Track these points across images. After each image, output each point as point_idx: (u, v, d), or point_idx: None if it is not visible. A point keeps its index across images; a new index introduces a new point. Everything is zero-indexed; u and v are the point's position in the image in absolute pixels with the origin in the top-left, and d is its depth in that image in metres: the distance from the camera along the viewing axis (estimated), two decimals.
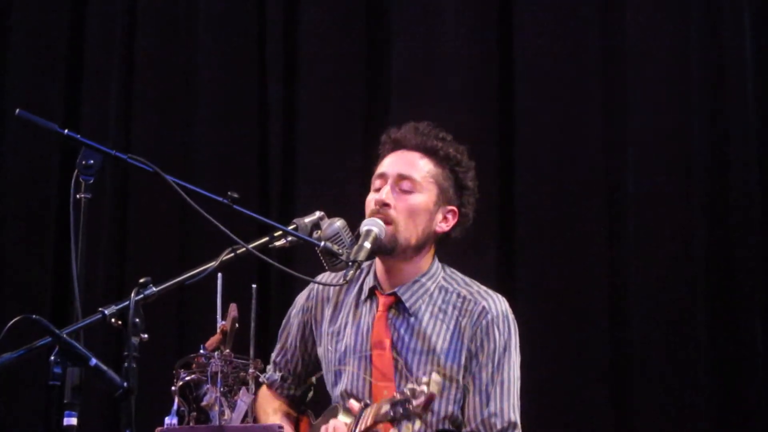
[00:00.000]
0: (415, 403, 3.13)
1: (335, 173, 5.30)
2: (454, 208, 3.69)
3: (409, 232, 3.61)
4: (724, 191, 4.99)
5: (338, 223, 3.44)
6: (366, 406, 3.32)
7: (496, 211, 5.18)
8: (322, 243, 3.33)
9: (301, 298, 3.87)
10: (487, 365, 3.59)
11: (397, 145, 3.71)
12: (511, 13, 5.32)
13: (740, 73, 5.01)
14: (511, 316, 3.67)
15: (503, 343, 3.61)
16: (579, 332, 5.03)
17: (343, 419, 3.47)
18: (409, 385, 3.20)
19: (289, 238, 3.26)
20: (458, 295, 3.68)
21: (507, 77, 5.30)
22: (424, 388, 3.13)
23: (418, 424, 3.18)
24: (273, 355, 3.90)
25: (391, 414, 3.17)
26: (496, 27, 5.36)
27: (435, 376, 3.15)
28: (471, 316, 3.63)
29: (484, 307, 3.63)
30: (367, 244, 3.49)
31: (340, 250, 3.37)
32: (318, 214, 3.40)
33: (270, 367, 3.89)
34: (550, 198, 5.17)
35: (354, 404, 3.43)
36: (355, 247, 3.45)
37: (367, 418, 3.28)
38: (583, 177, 5.15)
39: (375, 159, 3.78)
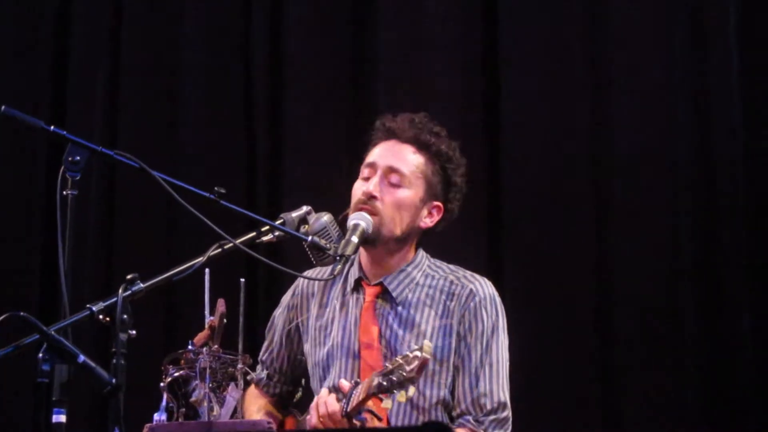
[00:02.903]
0: (408, 368, 3.15)
1: (322, 168, 5.29)
2: (439, 203, 3.70)
3: (393, 225, 3.62)
4: (711, 186, 5.00)
5: (325, 217, 3.44)
6: (356, 384, 3.33)
7: (483, 205, 5.19)
8: (310, 238, 3.32)
9: (285, 297, 3.88)
10: (476, 347, 3.61)
11: (391, 135, 3.71)
12: (496, 6, 5.31)
13: (725, 72, 5.02)
14: (498, 299, 3.69)
15: (491, 324, 3.63)
16: (566, 325, 5.03)
17: (326, 391, 3.46)
18: (400, 356, 3.22)
19: (277, 233, 3.26)
20: (445, 279, 3.69)
21: (493, 72, 5.29)
22: (417, 353, 3.15)
23: (411, 390, 3.20)
24: (260, 354, 3.90)
25: (384, 384, 3.19)
26: (482, 20, 5.36)
27: (427, 342, 3.18)
28: (459, 299, 3.64)
29: (471, 290, 3.65)
30: (355, 239, 3.49)
31: (328, 245, 3.37)
32: (305, 208, 3.40)
33: (258, 366, 3.89)
34: (537, 190, 5.17)
35: (343, 383, 3.43)
36: (343, 242, 3.45)
37: (359, 394, 3.28)
38: (570, 171, 5.16)
39: (363, 149, 3.78)
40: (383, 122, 3.76)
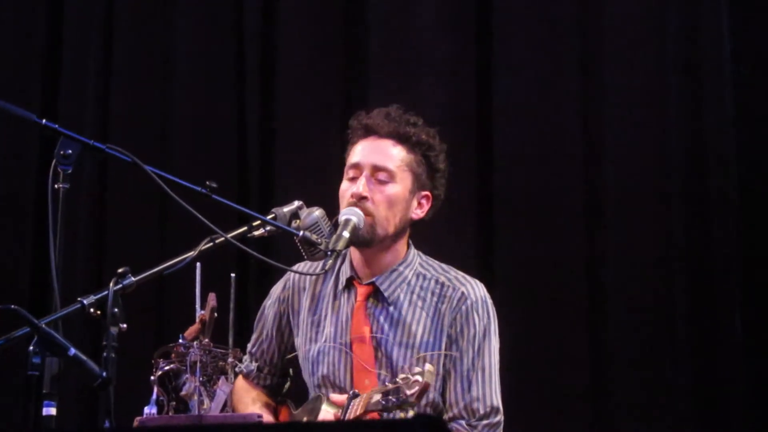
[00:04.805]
0: (409, 392, 3.16)
1: (314, 163, 5.29)
2: (428, 192, 3.70)
3: (387, 223, 3.61)
4: (703, 183, 5.01)
5: (317, 212, 3.44)
6: (355, 396, 3.33)
7: (474, 199, 5.19)
8: (301, 232, 3.32)
9: (276, 289, 3.86)
10: (468, 351, 3.60)
11: (369, 132, 3.70)
12: (490, 2, 5.32)
13: (717, 66, 5.03)
14: (489, 301, 3.68)
15: (483, 328, 3.63)
16: (556, 323, 5.04)
17: (327, 409, 3.47)
18: (401, 375, 3.22)
19: (268, 228, 3.26)
20: (436, 281, 3.69)
21: (485, 66, 5.30)
22: (419, 377, 3.15)
23: (411, 413, 3.20)
24: (249, 346, 3.89)
25: (383, 404, 3.19)
26: (474, 15, 5.36)
27: (428, 366, 3.19)
28: (450, 302, 3.64)
29: (463, 293, 3.65)
30: (346, 234, 3.49)
31: (319, 240, 3.37)
32: (297, 203, 3.40)
33: (246, 358, 3.88)
34: (528, 188, 5.18)
35: (337, 397, 3.43)
36: (334, 237, 3.45)
37: (357, 408, 3.29)
38: (562, 166, 5.16)
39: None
40: (359, 120, 3.73)
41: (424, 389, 3.16)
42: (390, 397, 3.18)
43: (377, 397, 3.21)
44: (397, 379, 3.22)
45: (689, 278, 4.96)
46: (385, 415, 3.23)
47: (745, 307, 4.89)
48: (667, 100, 5.07)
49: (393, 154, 3.66)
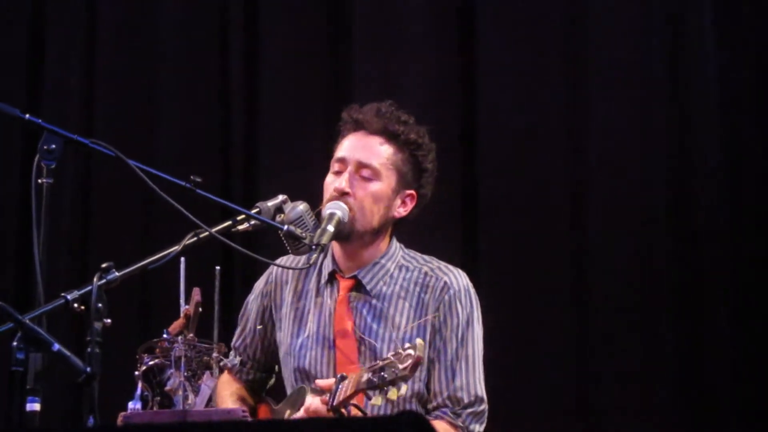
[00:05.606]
0: (401, 366, 3.14)
1: (298, 157, 5.29)
2: (412, 192, 3.69)
3: (367, 220, 3.61)
4: (688, 179, 5.02)
5: (301, 206, 3.44)
6: (343, 378, 3.32)
7: (458, 195, 5.20)
8: (285, 227, 3.32)
9: (259, 284, 3.86)
10: (452, 340, 3.61)
11: (358, 126, 3.69)
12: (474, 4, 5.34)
13: (702, 65, 5.05)
14: (472, 290, 3.68)
15: (466, 317, 3.63)
16: (541, 316, 5.06)
17: (312, 398, 3.45)
18: (391, 353, 3.21)
19: (252, 222, 3.26)
20: (419, 271, 3.68)
21: (470, 64, 5.30)
22: (411, 351, 3.15)
23: (404, 388, 3.20)
24: (233, 341, 3.89)
25: (375, 381, 3.17)
26: (459, 12, 5.37)
27: (419, 341, 3.18)
28: (433, 291, 3.64)
29: (446, 282, 3.65)
30: (331, 228, 3.48)
31: (304, 234, 3.36)
32: (281, 197, 3.40)
33: (232, 353, 3.88)
34: (513, 179, 5.19)
35: (323, 382, 3.42)
36: (318, 231, 3.44)
37: (346, 389, 3.27)
38: (546, 163, 5.18)
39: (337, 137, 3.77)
40: (350, 114, 3.72)
41: (417, 362, 3.15)
42: (383, 374, 3.16)
43: (367, 375, 3.19)
44: (388, 356, 3.21)
45: (674, 273, 4.98)
46: (376, 392, 3.21)
47: (730, 302, 4.91)
48: (652, 92, 5.08)
49: (379, 152, 3.65)
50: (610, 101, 5.12)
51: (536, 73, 5.23)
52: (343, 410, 3.29)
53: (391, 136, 3.66)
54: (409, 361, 3.15)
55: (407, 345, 3.18)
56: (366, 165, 3.63)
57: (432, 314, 3.62)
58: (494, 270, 5.09)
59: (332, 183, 3.63)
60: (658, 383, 4.93)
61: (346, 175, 3.62)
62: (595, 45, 5.17)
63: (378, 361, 3.23)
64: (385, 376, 3.16)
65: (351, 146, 3.67)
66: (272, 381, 3.90)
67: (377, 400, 3.22)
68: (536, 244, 5.12)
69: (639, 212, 5.05)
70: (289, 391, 3.70)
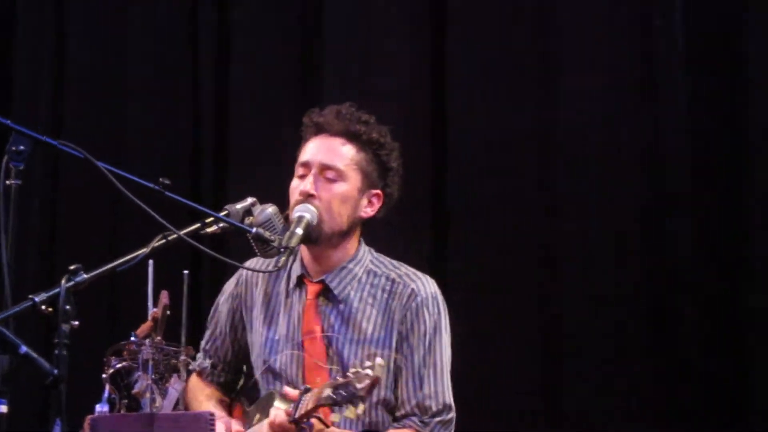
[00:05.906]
0: (359, 386, 3.15)
1: (267, 160, 5.29)
2: (378, 191, 3.69)
3: (334, 222, 3.60)
4: (657, 174, 5.04)
5: (270, 209, 3.43)
6: (306, 390, 3.33)
7: (428, 197, 5.21)
8: (254, 229, 3.31)
9: (229, 286, 3.85)
10: (419, 348, 3.61)
11: (320, 130, 3.69)
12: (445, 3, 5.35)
13: (671, 58, 5.07)
14: (440, 298, 3.68)
15: (433, 324, 3.63)
16: (511, 316, 5.06)
17: (279, 405, 3.46)
18: (352, 369, 3.21)
19: (221, 225, 3.25)
20: (387, 278, 3.68)
21: (440, 60, 5.31)
22: (369, 371, 3.16)
23: (361, 407, 3.21)
24: (202, 343, 3.87)
25: (334, 397, 3.18)
26: (431, 13, 5.38)
27: (379, 360, 3.18)
28: (400, 298, 3.64)
29: (413, 290, 3.64)
30: (299, 231, 3.48)
31: (272, 237, 3.36)
32: (250, 200, 3.39)
33: (200, 355, 3.87)
34: (482, 180, 5.20)
35: (290, 391, 3.43)
36: (287, 234, 3.44)
37: (308, 402, 3.28)
38: (517, 164, 5.19)
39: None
40: (311, 117, 3.72)
41: (374, 383, 3.16)
42: (340, 391, 3.18)
43: (328, 391, 3.21)
44: (348, 373, 3.22)
45: (645, 269, 4.99)
46: (336, 409, 3.23)
47: (699, 297, 4.92)
48: (622, 92, 5.10)
49: (342, 153, 3.65)
50: (582, 100, 5.13)
51: (508, 71, 5.24)
52: (303, 425, 3.31)
53: (352, 137, 3.66)
54: (366, 382, 3.16)
55: (367, 363, 3.18)
56: (329, 166, 3.63)
57: (398, 320, 3.62)
58: (464, 275, 5.09)
59: (297, 187, 3.63)
60: (630, 384, 4.93)
61: (310, 178, 3.61)
62: (567, 43, 5.19)
63: (339, 378, 3.23)
64: (343, 393, 3.17)
65: (314, 149, 3.67)
66: (242, 381, 3.89)
67: (335, 417, 3.26)
68: (507, 246, 5.13)
69: (612, 214, 5.06)
70: (261, 391, 3.69)
